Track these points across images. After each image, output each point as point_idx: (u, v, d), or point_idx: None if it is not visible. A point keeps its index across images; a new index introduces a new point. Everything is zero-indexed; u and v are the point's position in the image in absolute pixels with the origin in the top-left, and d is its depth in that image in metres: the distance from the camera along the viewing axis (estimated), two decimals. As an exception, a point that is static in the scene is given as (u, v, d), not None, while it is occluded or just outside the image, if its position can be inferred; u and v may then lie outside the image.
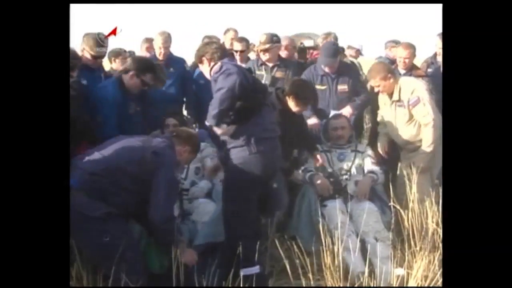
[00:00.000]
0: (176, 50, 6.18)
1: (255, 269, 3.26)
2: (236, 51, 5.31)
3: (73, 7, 2.55)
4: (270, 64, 5.00)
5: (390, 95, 4.31)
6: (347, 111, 4.68)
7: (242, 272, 3.19)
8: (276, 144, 3.47)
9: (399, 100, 4.25)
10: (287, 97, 3.92)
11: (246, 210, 3.34)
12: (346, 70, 4.89)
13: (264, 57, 4.98)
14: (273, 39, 4.94)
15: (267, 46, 4.88)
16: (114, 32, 4.53)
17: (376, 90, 4.39)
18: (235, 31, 6.12)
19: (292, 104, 3.93)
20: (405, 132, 4.29)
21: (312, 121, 4.62)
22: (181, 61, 5.57)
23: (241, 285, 3.09)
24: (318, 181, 4.04)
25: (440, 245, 3.10)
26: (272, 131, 3.46)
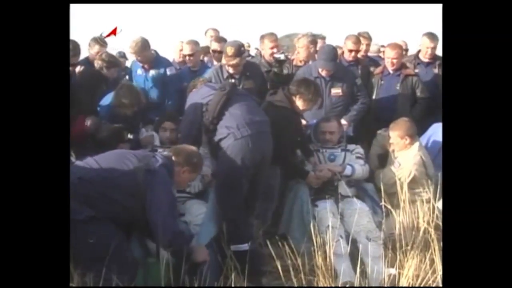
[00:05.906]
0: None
1: (245, 246, 3.40)
2: (185, 56, 5.25)
3: (73, 7, 2.54)
4: (237, 76, 4.48)
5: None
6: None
7: (232, 248, 3.33)
8: (263, 129, 3.58)
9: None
10: (293, 97, 3.97)
11: (236, 194, 3.48)
12: (342, 74, 4.72)
13: (231, 69, 4.44)
14: (241, 51, 4.35)
15: (236, 61, 4.30)
16: (114, 32, 4.52)
17: (390, 146, 4.32)
18: (215, 30, 6.08)
19: (299, 103, 3.98)
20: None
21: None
22: (165, 62, 5.34)
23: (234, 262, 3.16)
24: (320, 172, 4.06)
25: (432, 244, 3.14)
26: (255, 114, 3.59)
